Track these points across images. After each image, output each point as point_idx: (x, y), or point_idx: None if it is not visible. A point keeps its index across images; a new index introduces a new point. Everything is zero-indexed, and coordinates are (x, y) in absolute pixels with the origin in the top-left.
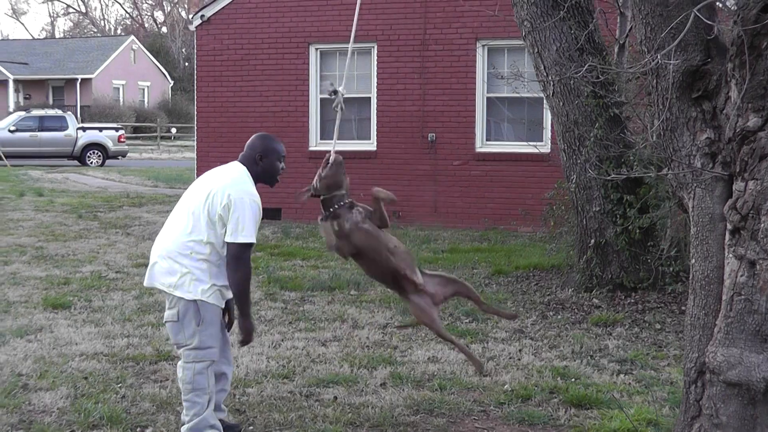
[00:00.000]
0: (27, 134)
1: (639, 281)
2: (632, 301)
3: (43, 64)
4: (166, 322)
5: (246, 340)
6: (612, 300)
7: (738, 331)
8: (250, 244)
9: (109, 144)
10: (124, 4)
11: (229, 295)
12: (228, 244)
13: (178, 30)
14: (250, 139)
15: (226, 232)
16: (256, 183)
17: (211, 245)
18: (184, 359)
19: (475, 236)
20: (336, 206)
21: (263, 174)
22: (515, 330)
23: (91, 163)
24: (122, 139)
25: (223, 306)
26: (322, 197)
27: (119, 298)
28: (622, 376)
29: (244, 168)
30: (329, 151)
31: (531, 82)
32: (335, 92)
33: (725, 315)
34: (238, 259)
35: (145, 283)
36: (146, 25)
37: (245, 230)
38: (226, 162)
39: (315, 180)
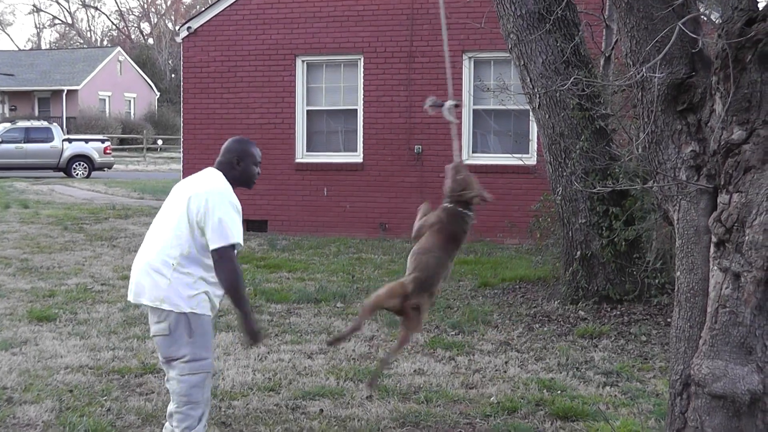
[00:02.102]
0: (12, 146)
1: (625, 293)
2: (618, 313)
3: (29, 75)
4: (155, 336)
5: (252, 341)
6: (598, 312)
7: (723, 343)
8: (233, 245)
9: (95, 155)
10: (110, 15)
11: (218, 301)
12: (212, 249)
13: (164, 42)
14: (227, 143)
15: (207, 238)
16: (234, 187)
17: (195, 254)
18: (178, 372)
19: (462, 248)
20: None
21: (241, 178)
22: (501, 342)
23: (77, 174)
24: (108, 151)
25: (214, 314)
26: None
27: (105, 310)
28: (608, 388)
29: (221, 173)
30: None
31: (517, 94)
32: (441, 105)
33: (710, 327)
34: (223, 260)
35: (130, 299)
36: (133, 37)
37: (227, 232)
38: None
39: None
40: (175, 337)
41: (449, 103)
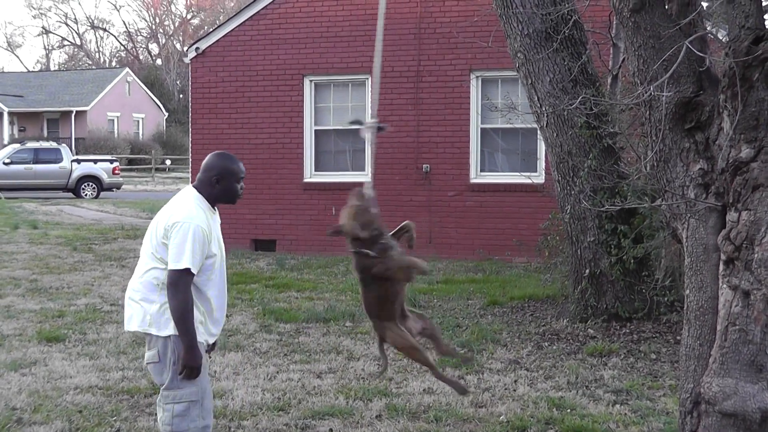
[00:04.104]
0: (22, 167)
1: (634, 311)
2: (627, 331)
3: (38, 96)
4: (147, 363)
5: (184, 373)
6: (607, 330)
7: (733, 361)
8: (186, 270)
9: (104, 176)
10: (119, 36)
11: (214, 330)
12: (169, 271)
13: (172, 62)
14: (208, 158)
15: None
16: (215, 204)
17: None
18: (163, 399)
19: (470, 267)
20: None
21: (220, 196)
22: (510, 361)
23: (86, 195)
24: (117, 171)
25: (209, 342)
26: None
27: (114, 330)
28: (617, 406)
29: (195, 192)
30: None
31: (525, 113)
32: (359, 122)
33: (720, 345)
34: (173, 286)
35: (125, 327)
36: (141, 58)
37: (181, 256)
38: None
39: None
40: (165, 363)
41: (371, 121)
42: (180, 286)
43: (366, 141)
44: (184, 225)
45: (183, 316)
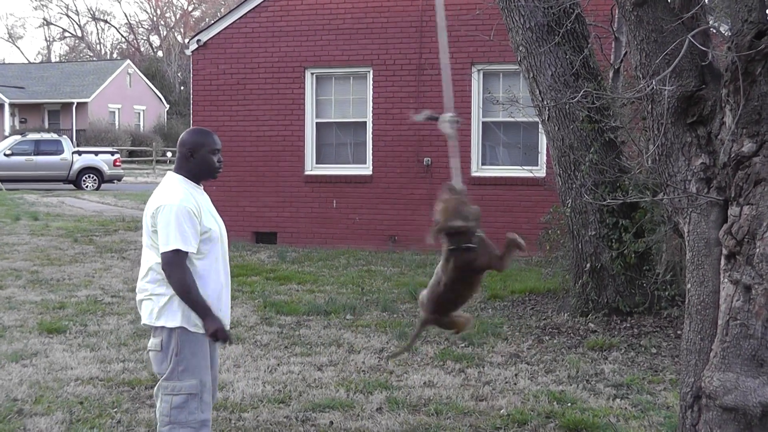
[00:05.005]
0: (23, 158)
1: (635, 305)
2: (628, 325)
3: (39, 88)
4: (149, 350)
5: (217, 338)
6: (608, 324)
7: (734, 355)
8: (176, 251)
9: (105, 168)
10: (120, 28)
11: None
12: (161, 254)
13: (174, 54)
14: (181, 135)
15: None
16: (198, 180)
17: None
18: (162, 391)
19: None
20: None
21: (199, 170)
22: (511, 354)
23: (87, 187)
24: (118, 163)
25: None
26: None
27: (115, 322)
28: (618, 400)
29: (175, 175)
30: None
31: (526, 107)
32: (436, 118)
33: (721, 340)
34: (168, 266)
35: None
36: (142, 50)
37: (168, 238)
38: (222, 187)
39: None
40: (167, 353)
41: (448, 115)
42: (174, 265)
43: (448, 135)
44: (165, 208)
45: (185, 289)
